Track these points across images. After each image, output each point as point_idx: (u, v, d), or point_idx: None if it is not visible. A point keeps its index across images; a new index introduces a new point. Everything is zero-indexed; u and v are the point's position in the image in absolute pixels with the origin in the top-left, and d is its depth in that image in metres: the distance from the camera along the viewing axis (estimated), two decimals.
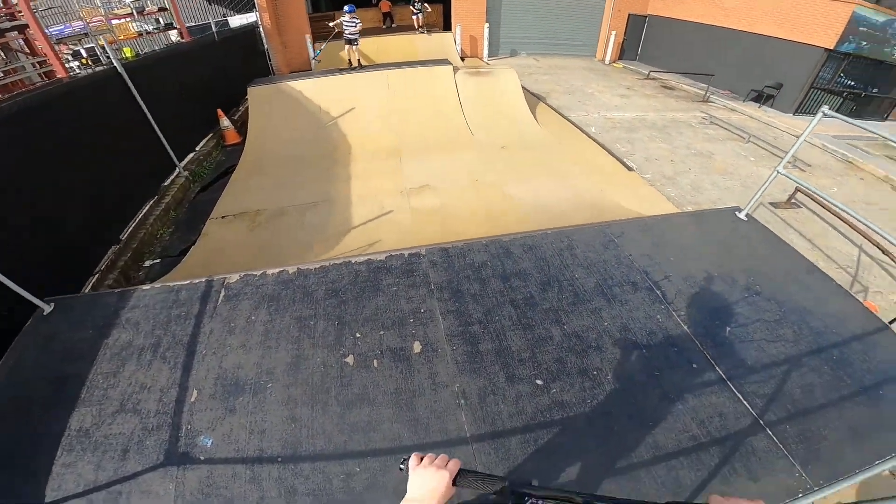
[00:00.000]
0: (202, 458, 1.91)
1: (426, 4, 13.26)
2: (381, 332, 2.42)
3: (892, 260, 5.01)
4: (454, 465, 0.88)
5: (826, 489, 1.81)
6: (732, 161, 7.38)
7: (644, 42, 15.40)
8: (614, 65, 15.02)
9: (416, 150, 6.44)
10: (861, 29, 9.95)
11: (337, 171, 5.92)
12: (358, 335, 2.41)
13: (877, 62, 10.99)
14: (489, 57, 14.09)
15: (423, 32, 13.40)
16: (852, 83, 11.44)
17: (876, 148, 9.30)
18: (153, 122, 5.26)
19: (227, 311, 2.56)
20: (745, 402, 2.17)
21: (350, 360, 2.29)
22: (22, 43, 11.06)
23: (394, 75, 7.36)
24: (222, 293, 2.69)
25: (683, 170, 6.80)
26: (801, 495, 1.82)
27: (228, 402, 2.11)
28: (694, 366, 2.32)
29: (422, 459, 0.89)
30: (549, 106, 9.15)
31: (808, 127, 3.00)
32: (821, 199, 4.22)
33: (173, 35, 12.29)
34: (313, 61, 11.76)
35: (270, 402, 2.11)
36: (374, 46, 12.40)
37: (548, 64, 14.04)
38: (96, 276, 3.92)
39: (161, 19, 12.98)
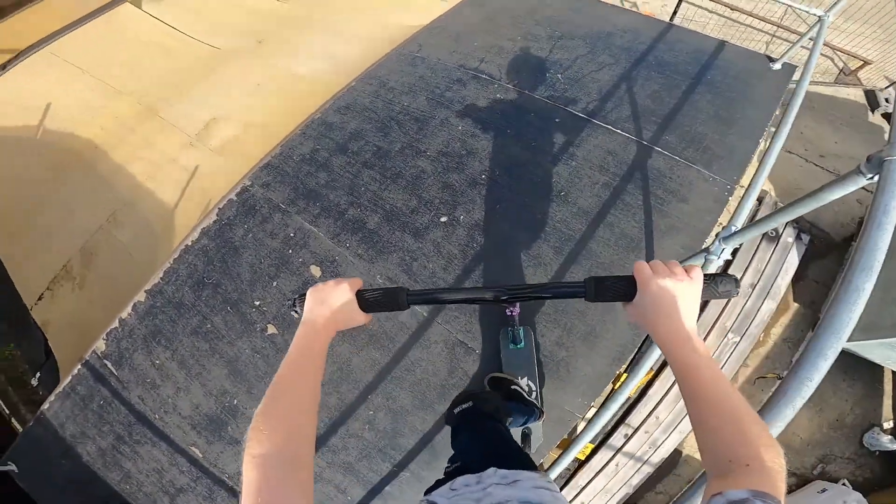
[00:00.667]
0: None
1: None
2: (275, 283, 2.16)
3: None
4: (354, 282, 0.78)
5: (751, 190, 1.95)
6: None
7: None
8: None
9: (172, 97, 5.07)
10: None
11: (101, 170, 4.56)
12: (258, 303, 2.13)
13: None
14: None
15: None
16: None
17: None
18: None
19: (129, 375, 2.15)
20: (619, 131, 2.32)
21: (271, 328, 2.07)
22: None
23: (62, 47, 5.43)
24: (108, 364, 2.23)
25: None
26: (728, 197, 2.04)
27: (224, 437, 1.95)
28: (556, 120, 2.42)
29: None
30: None
31: None
32: None
33: None
34: None
35: (245, 408, 1.96)
36: (35, 20, 8.97)
37: None
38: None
39: None
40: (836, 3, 2.21)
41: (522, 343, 1.69)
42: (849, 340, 2.82)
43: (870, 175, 0.86)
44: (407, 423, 1.81)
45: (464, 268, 2.05)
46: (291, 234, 2.25)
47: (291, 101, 4.20)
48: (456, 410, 1.21)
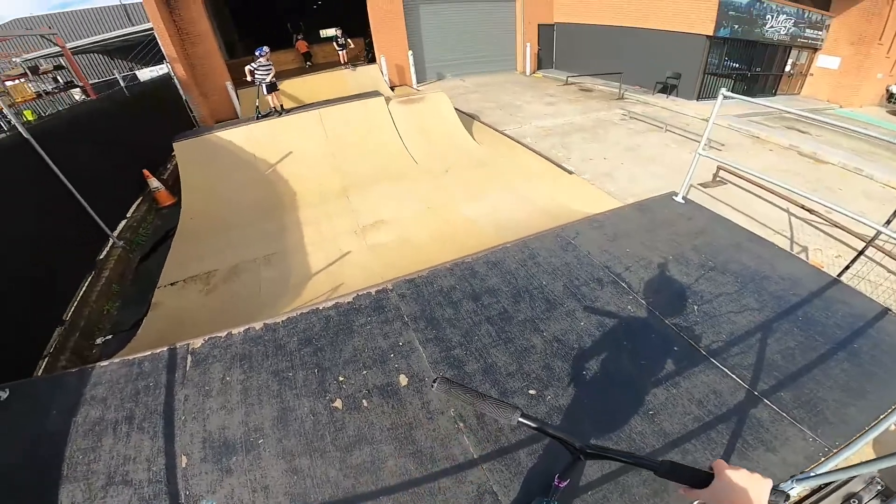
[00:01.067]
0: None
1: (349, 39, 13.23)
2: (365, 372, 2.35)
3: (819, 218, 5.56)
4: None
5: (845, 450, 1.82)
6: (658, 150, 7.99)
7: (557, 50, 16.55)
8: (535, 75, 15.93)
9: (363, 185, 6.42)
10: (730, 13, 11.14)
11: (286, 220, 5.75)
12: (341, 378, 2.32)
13: (752, 43, 12.46)
14: (417, 83, 14.44)
15: (349, 68, 13.34)
16: (737, 65, 12.89)
17: (774, 121, 10.45)
18: (74, 191, 4.86)
19: (198, 376, 2.41)
20: (733, 377, 2.24)
21: (338, 404, 2.20)
22: None
23: (327, 113, 7.33)
24: (189, 359, 2.52)
25: (617, 165, 7.27)
26: (822, 459, 1.85)
27: (222, 464, 1.98)
28: (675, 349, 2.41)
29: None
30: (483, 123, 9.49)
31: (713, 110, 3.33)
32: (742, 172, 4.65)
33: (76, 94, 11.56)
34: (243, 105, 11.45)
35: (266, 457, 1.99)
36: (303, 87, 12.31)
37: (474, 82, 14.63)
38: (46, 359, 3.68)
39: (60, 77, 12.19)
40: None
41: None
42: None
43: None
44: None
45: (530, 436, 2.02)
46: (400, 344, 2.49)
47: (449, 234, 4.91)
48: None
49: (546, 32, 16.08)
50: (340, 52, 13.22)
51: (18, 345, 3.52)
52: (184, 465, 1.99)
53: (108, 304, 4.66)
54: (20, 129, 4.38)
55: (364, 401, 2.20)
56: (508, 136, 8.56)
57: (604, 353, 2.40)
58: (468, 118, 9.46)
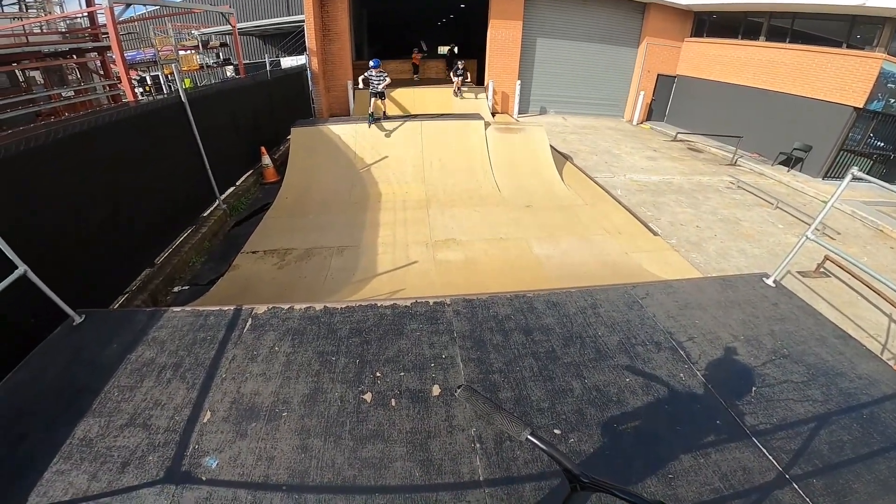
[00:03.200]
0: (204, 478, 1.92)
1: (468, 71, 13.31)
2: (402, 374, 2.46)
3: None
4: None
5: None
6: (760, 227, 7.32)
7: (672, 103, 15.79)
8: (642, 126, 15.39)
9: (444, 202, 6.68)
10: (889, 85, 9.72)
11: (366, 218, 6.17)
12: (378, 374, 2.45)
13: None
14: (519, 114, 14.69)
15: (458, 96, 13.54)
16: (882, 144, 11.10)
17: None
18: (203, 153, 5.64)
19: (251, 340, 2.66)
20: (769, 457, 2.10)
21: (368, 397, 2.32)
22: (98, 65, 12.20)
23: (428, 126, 7.76)
24: (249, 322, 2.80)
25: (709, 236, 6.78)
26: None
27: (241, 427, 2.14)
28: (717, 422, 2.27)
29: None
30: (575, 166, 9.37)
31: (836, 191, 2.99)
32: (851, 266, 4.13)
33: (229, 70, 13.34)
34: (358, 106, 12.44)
35: (283, 430, 2.13)
36: (411, 97, 13.11)
37: (576, 123, 14.51)
38: (126, 295, 4.12)
39: (220, 54, 14.17)
40: None
41: None
42: None
43: None
44: None
45: (540, 472, 2.01)
46: (443, 356, 2.58)
47: (513, 266, 4.94)
48: None
49: (664, 84, 15.51)
50: (455, 79, 13.36)
51: (111, 276, 3.94)
52: (205, 421, 2.16)
53: (196, 257, 5.20)
54: (181, 93, 5.23)
55: (393, 400, 2.31)
56: (598, 184, 8.36)
57: (641, 412, 2.32)
58: (561, 158, 9.42)
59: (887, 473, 2.05)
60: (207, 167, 5.78)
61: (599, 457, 2.08)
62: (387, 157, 7.34)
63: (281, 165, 7.85)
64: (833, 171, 10.54)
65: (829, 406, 2.40)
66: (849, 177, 2.89)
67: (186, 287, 4.71)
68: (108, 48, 9.74)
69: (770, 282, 3.47)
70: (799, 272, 5.88)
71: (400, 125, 7.81)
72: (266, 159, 7.75)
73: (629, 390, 2.43)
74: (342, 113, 12.86)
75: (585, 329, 2.82)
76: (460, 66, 13.17)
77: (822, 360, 2.71)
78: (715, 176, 10.01)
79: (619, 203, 7.44)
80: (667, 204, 7.89)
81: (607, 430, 2.21)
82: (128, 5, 7.73)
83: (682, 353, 2.71)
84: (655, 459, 2.08)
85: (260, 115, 8.09)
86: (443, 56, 18.32)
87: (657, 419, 2.29)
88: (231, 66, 13.22)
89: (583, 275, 4.64)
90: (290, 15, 14.44)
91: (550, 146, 8.21)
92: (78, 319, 2.78)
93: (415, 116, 8.41)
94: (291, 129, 7.60)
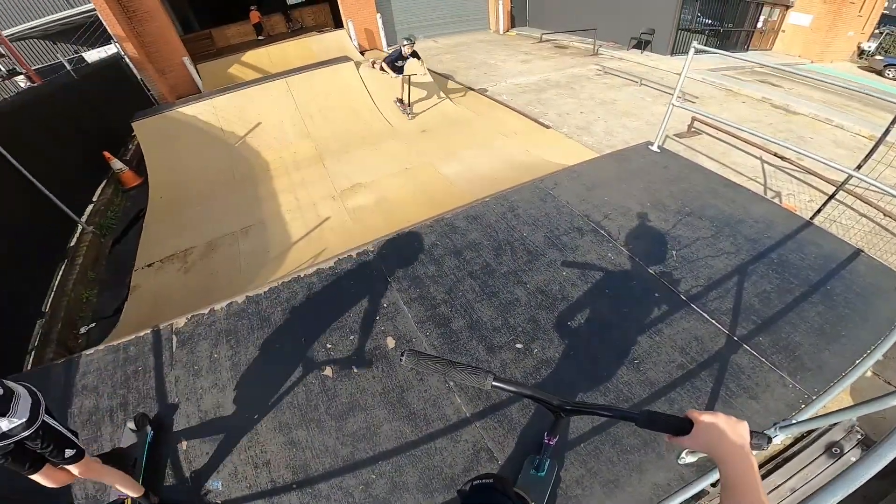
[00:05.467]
0: (219, 501, 1.80)
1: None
2: (351, 337, 2.35)
3: (791, 164, 5.67)
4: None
5: (824, 396, 1.85)
6: (633, 103, 7.93)
7: (530, 7, 16.03)
8: (508, 34, 15.46)
9: (338, 151, 6.23)
10: None
11: (260, 191, 5.57)
12: (329, 346, 2.32)
13: None
14: (388, 47, 13.86)
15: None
16: (709, 21, 12.86)
17: (746, 75, 10.46)
18: (33, 179, 4.60)
19: (185, 356, 2.38)
20: (713, 322, 2.29)
21: (328, 371, 2.21)
22: None
23: (295, 81, 7.01)
24: (174, 339, 2.48)
25: (593, 119, 7.22)
26: (803, 406, 1.91)
27: (221, 443, 1.98)
28: (656, 295, 2.45)
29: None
30: (458, 83, 9.24)
31: (685, 63, 3.30)
32: (716, 122, 4.67)
33: (21, 81, 10.80)
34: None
35: (263, 432, 2.00)
36: (267, 57, 11.74)
37: (447, 43, 14.14)
38: (32, 353, 3.59)
39: (1, 66, 11.34)
40: None
41: (544, 472, 1.68)
42: None
43: None
44: (401, 499, 1.76)
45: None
46: (385, 305, 2.49)
47: (426, 193, 4.84)
48: (474, 482, 1.22)
49: None
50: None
51: (4, 341, 3.42)
52: (185, 449, 1.98)
53: (86, 291, 4.52)
54: None
55: (354, 367, 2.21)
56: (484, 95, 8.37)
57: (587, 303, 2.44)
58: (442, 79, 9.19)
59: (819, 320, 2.25)
60: (47, 193, 4.74)
61: (566, 360, 2.15)
62: (260, 123, 6.57)
63: (139, 165, 6.72)
64: (677, 48, 11.84)
65: (741, 256, 2.63)
66: (692, 51, 3.18)
67: (93, 325, 4.09)
68: None
69: (655, 147, 3.77)
70: (675, 135, 6.54)
71: (263, 87, 6.96)
72: (116, 163, 6.55)
73: (569, 284, 2.53)
74: (189, 92, 11.14)
75: (510, 234, 2.87)
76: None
77: (721, 211, 3.00)
78: (584, 67, 10.52)
79: (508, 107, 7.56)
80: (550, 99, 8.19)
81: (564, 330, 2.30)
82: None
83: (602, 232, 2.87)
84: (617, 348, 2.20)
85: (83, 119, 6.71)
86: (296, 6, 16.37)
87: (603, 306, 2.41)
88: (21, 76, 10.63)
89: (494, 181, 4.71)
90: (71, 7, 11.70)
91: (429, 69, 7.93)
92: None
93: (277, 75, 7.51)
94: (132, 124, 6.44)
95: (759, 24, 14.46)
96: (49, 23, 12.59)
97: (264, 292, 2.68)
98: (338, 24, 14.05)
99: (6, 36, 9.19)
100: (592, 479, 1.76)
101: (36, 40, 14.64)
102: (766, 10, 14.18)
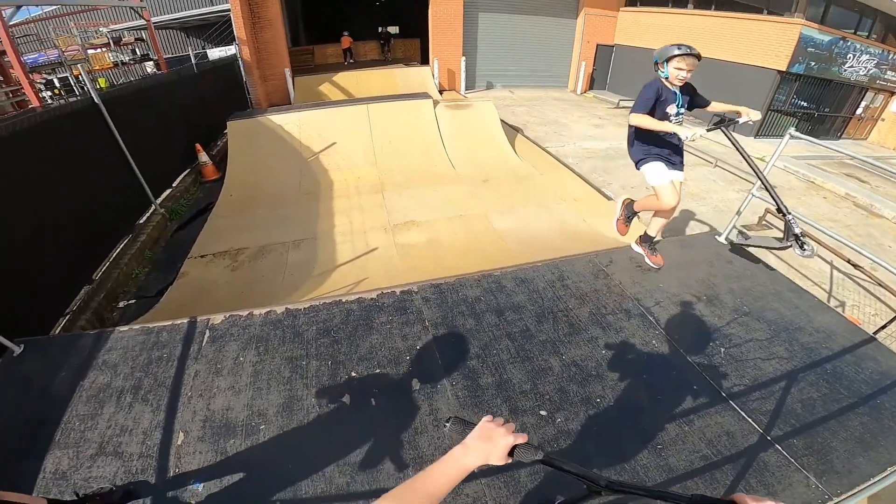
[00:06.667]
0: (192, 502, 1.79)
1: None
2: (378, 371, 2.36)
3: (863, 273, 5.25)
4: (520, 437, 0.86)
5: (848, 500, 1.79)
6: (704, 185, 7.70)
7: (612, 71, 16.24)
8: (585, 95, 15.70)
9: (399, 184, 6.48)
10: (808, 49, 10.47)
11: (320, 208, 5.87)
12: (354, 374, 2.34)
13: (825, 81, 11.69)
14: (466, 90, 14.51)
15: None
16: (805, 104, 12.08)
17: (833, 166, 9.91)
18: (129, 156, 5.11)
19: (212, 353, 2.46)
20: (749, 420, 2.18)
21: (347, 399, 2.21)
22: None
23: (375, 109, 7.46)
24: (207, 334, 2.58)
25: None
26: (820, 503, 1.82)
27: (219, 445, 1.99)
28: (695, 387, 2.34)
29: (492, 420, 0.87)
30: (526, 137, 9.41)
31: (777, 148, 3.19)
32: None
33: (149, 66, 12.24)
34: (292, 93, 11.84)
35: (265, 444, 2.00)
36: (351, 81, 12.63)
37: (522, 96, 14.56)
38: (67, 317, 3.70)
39: (137, 50, 12.95)
40: None
41: None
42: None
43: None
44: None
45: None
46: (417, 347, 2.49)
47: (478, 243, 4.87)
48: None
49: (604, 53, 15.84)
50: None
51: (46, 300, 3.53)
52: (179, 443, 2.00)
53: (138, 268, 4.76)
54: (92, 93, 4.67)
55: (373, 399, 2.21)
56: (550, 154, 8.45)
57: (621, 384, 2.35)
58: (512, 131, 9.41)
59: (861, 430, 2.15)
60: (136, 171, 5.25)
61: (588, 435, 2.08)
62: (334, 143, 7.00)
63: (220, 161, 7.31)
64: (763, 131, 11.34)
65: (794, 363, 2.51)
66: (787, 136, 3.08)
67: (133, 301, 4.29)
68: (3, 52, 8.61)
69: (722, 239, 3.63)
70: (743, 225, 6.23)
71: (345, 110, 7.46)
72: (203, 156, 7.18)
73: (606, 362, 2.45)
74: (281, 102, 12.17)
75: (556, 303, 2.82)
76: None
77: (781, 316, 2.85)
78: None
79: (573, 171, 7.55)
80: (617, 169, 8.09)
81: (591, 406, 2.22)
82: (18, 7, 6.83)
83: (651, 318, 2.77)
84: (643, 432, 2.11)
85: (190, 111, 7.44)
86: (391, 36, 17.72)
87: (637, 390, 2.32)
88: (151, 62, 12.10)
89: (546, 245, 4.67)
90: (213, 5, 13.30)
91: (500, 119, 8.16)
92: (18, 350, 2.48)
93: (359, 100, 8.04)
94: (227, 122, 7.07)
95: (859, 111, 13.15)
96: (191, 16, 14.27)
97: (304, 308, 2.77)
98: (424, 59, 14.96)
99: (153, 23, 10.48)
100: None
101: (174, 31, 16.69)
102: (868, 95, 12.91)
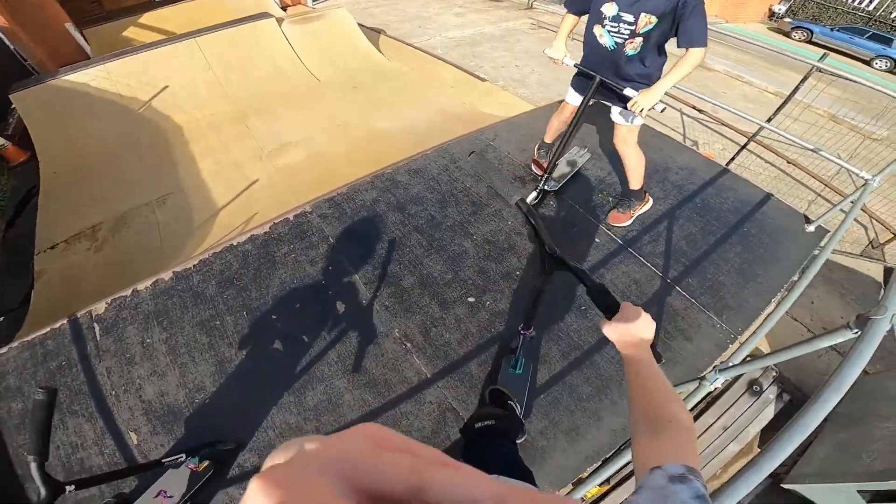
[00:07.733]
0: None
1: None
2: (298, 305, 2.22)
3: (707, 117, 6.11)
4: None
5: (752, 339, 1.88)
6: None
7: None
8: None
9: (262, 111, 5.71)
10: None
11: (175, 155, 4.99)
12: (274, 317, 2.17)
13: None
14: (313, 2, 12.75)
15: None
16: None
17: None
18: None
19: (113, 345, 2.11)
20: (648, 264, 2.41)
21: (277, 344, 2.08)
22: None
23: (206, 41, 6.25)
24: (96, 327, 2.18)
25: (529, 72, 7.22)
26: (731, 346, 2.06)
27: (173, 432, 1.82)
28: (596, 240, 2.53)
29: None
30: (390, 37, 8.76)
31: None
32: None
33: None
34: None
35: (217, 416, 1.85)
36: (174, 18, 10.30)
37: None
38: None
39: None
40: (885, 168, 2.28)
41: (521, 370, 1.80)
42: (805, 483, 2.45)
43: (855, 330, 1.00)
44: None
45: (477, 346, 2.09)
46: (330, 268, 2.36)
47: (363, 149, 4.62)
48: (476, 425, 1.24)
49: None
50: None
51: None
52: (136, 443, 1.80)
53: None
54: None
55: (304, 336, 2.09)
56: (418, 48, 8.04)
57: (531, 249, 2.46)
58: (373, 33, 8.67)
59: (738, 260, 2.42)
60: None
61: (518, 312, 2.17)
62: (166, 87, 5.85)
63: (22, 140, 5.82)
64: None
65: (669, 201, 2.79)
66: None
67: (0, 318, 3.56)
68: None
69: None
70: None
71: (167, 49, 6.16)
72: None
73: (514, 232, 2.54)
74: (75, 60, 9.64)
75: (454, 185, 2.81)
76: None
77: (651, 160, 3.04)
78: (518, 20, 10.39)
79: (443, 60, 7.36)
80: (485, 52, 8.08)
81: (511, 278, 2.31)
82: None
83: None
84: (565, 294, 2.25)
85: None
86: None
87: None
88: None
89: (433, 134, 4.58)
90: None
91: (359, 24, 7.43)
92: None
93: (182, 36, 6.62)
94: (10, 96, 5.50)
95: None
96: None
97: (194, 266, 2.43)
98: None
99: None
100: (555, 429, 1.83)
101: None
102: None
